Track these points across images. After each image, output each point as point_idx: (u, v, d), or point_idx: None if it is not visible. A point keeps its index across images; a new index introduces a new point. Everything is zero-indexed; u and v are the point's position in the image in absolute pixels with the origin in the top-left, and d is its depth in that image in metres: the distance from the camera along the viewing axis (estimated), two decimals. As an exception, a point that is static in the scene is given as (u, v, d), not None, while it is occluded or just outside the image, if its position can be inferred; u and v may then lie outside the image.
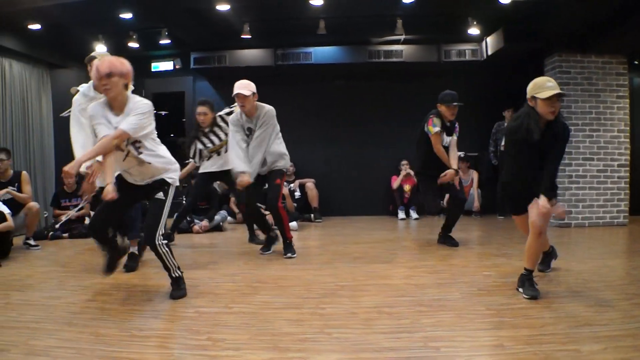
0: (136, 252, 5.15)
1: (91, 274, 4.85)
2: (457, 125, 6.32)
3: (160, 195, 3.91)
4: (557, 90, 3.73)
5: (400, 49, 9.20)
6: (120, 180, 3.96)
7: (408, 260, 5.62)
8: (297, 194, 9.35)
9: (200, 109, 6.45)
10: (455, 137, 6.28)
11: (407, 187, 9.72)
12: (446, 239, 6.31)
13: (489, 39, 8.89)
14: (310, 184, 9.61)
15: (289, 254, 5.65)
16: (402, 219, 9.50)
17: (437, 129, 6.01)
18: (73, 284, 4.50)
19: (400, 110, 10.06)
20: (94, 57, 5.01)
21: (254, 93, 5.52)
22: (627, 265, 5.27)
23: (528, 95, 3.88)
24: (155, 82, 10.12)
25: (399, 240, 7.31)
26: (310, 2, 7.17)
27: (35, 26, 7.51)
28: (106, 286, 4.41)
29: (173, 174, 4.02)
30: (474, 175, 9.67)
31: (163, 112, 9.85)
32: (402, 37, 8.78)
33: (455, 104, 6.11)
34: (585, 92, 8.11)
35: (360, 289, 4.24)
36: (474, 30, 8.38)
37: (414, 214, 9.58)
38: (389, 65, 9.38)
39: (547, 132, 3.81)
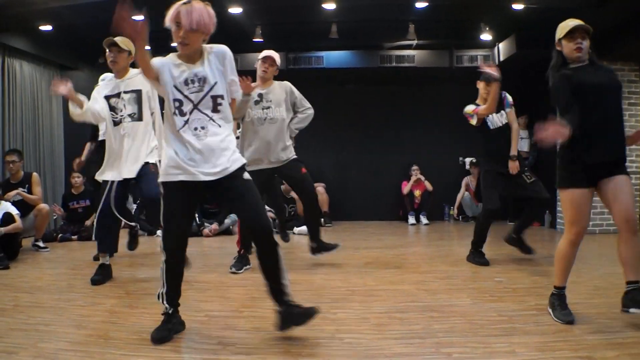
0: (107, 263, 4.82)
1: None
2: (505, 95, 5.65)
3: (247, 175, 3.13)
4: (578, 22, 3.45)
5: (412, 54, 9.18)
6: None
7: (419, 265, 5.59)
8: (307, 198, 9.33)
9: None
10: (508, 110, 5.64)
11: (417, 193, 9.68)
12: (519, 242, 5.79)
13: (501, 45, 8.86)
14: (320, 188, 9.57)
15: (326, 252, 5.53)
16: (412, 225, 9.46)
17: (470, 107, 5.56)
18: (82, 287, 4.50)
19: (412, 115, 10.06)
20: (114, 42, 4.63)
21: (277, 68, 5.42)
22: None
23: (556, 41, 3.59)
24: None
25: (409, 246, 7.29)
26: (323, 6, 7.15)
27: (47, 27, 7.53)
28: (116, 289, 4.41)
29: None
30: (485, 181, 9.61)
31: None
32: (414, 42, 8.75)
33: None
34: (597, 98, 8.07)
35: (371, 294, 4.22)
36: (486, 36, 8.35)
37: (424, 220, 9.54)
38: (401, 70, 9.36)
39: (595, 74, 3.43)
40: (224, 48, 3.14)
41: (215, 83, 3.03)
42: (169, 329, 3.09)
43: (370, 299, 4.06)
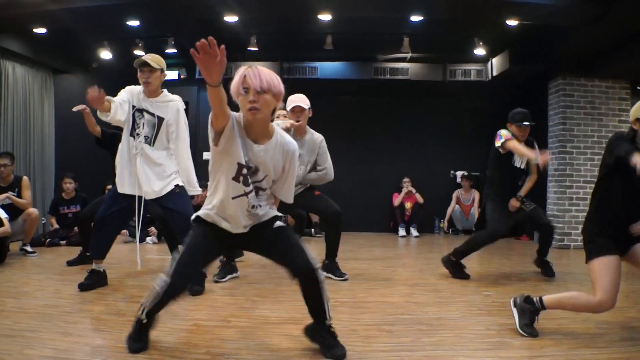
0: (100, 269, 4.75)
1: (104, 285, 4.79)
2: (535, 144, 5.56)
3: (279, 223, 3.04)
4: None
5: (406, 66, 9.22)
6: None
7: (408, 278, 5.59)
8: (298, 208, 9.32)
9: None
10: (534, 163, 5.51)
11: (408, 205, 9.71)
12: (542, 264, 5.81)
13: (495, 60, 8.92)
14: (311, 198, 9.56)
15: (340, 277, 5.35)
16: (402, 237, 9.48)
17: (506, 132, 5.40)
18: (70, 293, 4.46)
19: (404, 127, 10.10)
20: (144, 61, 4.46)
21: (310, 108, 5.34)
22: (626, 288, 5.20)
23: (631, 118, 3.30)
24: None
25: (399, 258, 7.29)
26: (319, 17, 7.18)
27: (41, 30, 7.50)
28: (103, 296, 4.37)
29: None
30: (476, 194, 9.66)
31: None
32: (409, 55, 8.80)
33: (526, 123, 5.38)
34: (588, 116, 8.18)
35: (360, 305, 4.21)
36: (479, 51, 8.40)
37: (414, 232, 9.56)
38: (395, 82, 9.40)
39: None
40: (294, 145, 2.96)
41: (266, 176, 2.90)
42: (144, 340, 3.04)
43: (359, 310, 4.05)
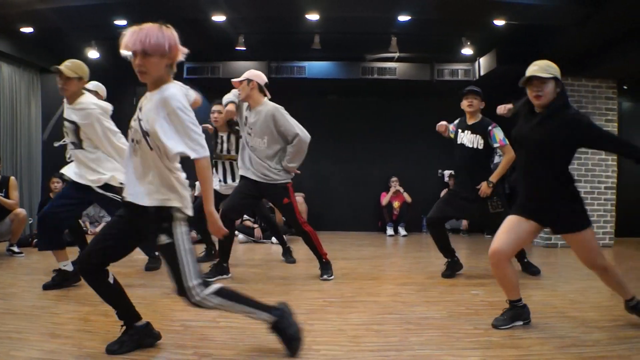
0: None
1: (75, 283, 4.77)
2: (491, 127, 5.43)
3: (164, 238, 2.77)
4: (533, 73, 3.40)
5: (394, 66, 9.24)
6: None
7: (396, 277, 5.61)
8: (286, 207, 9.31)
9: (215, 107, 6.32)
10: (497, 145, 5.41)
11: (396, 204, 9.74)
12: (525, 266, 5.72)
13: (482, 60, 8.96)
14: (299, 198, 9.57)
15: (325, 276, 5.28)
16: (390, 236, 9.51)
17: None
18: (56, 294, 4.44)
19: (392, 127, 10.12)
20: (58, 69, 4.50)
21: (249, 80, 5.21)
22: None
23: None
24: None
25: (387, 257, 7.30)
26: (307, 16, 7.18)
27: (28, 29, 7.46)
28: (90, 297, 4.34)
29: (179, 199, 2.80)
30: (463, 194, 9.68)
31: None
32: (396, 55, 8.82)
33: (467, 89, 5.61)
34: (575, 115, 8.18)
35: (348, 305, 4.22)
36: (467, 51, 8.43)
37: (402, 231, 9.58)
38: (382, 82, 9.41)
39: (546, 126, 3.42)
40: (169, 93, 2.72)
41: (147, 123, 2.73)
42: (122, 340, 3.00)
43: (347, 310, 4.05)
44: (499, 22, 7.13)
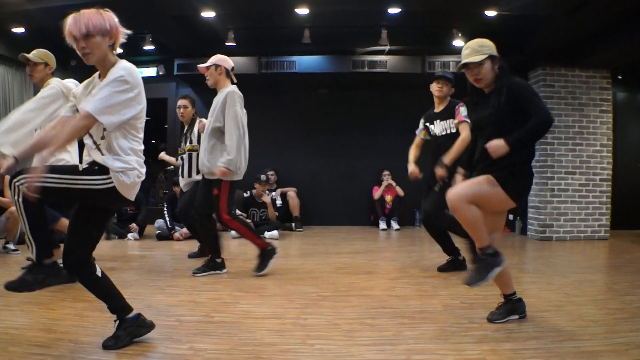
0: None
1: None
2: (458, 106, 5.39)
3: None
4: (465, 59, 3.41)
5: (385, 59, 9.21)
6: None
7: (389, 271, 5.60)
8: (279, 202, 9.30)
9: (180, 101, 6.34)
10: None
11: (388, 198, 9.73)
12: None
13: (473, 52, 8.94)
14: (292, 192, 9.57)
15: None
16: (383, 230, 9.49)
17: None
18: (53, 290, 4.37)
19: (384, 120, 10.09)
20: (26, 57, 4.93)
21: (217, 65, 5.19)
22: (608, 279, 5.29)
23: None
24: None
25: (380, 251, 7.29)
26: (296, 11, 7.15)
27: (19, 29, 7.42)
28: (86, 293, 4.32)
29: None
30: (456, 186, 9.67)
31: (145, 119, 9.80)
32: (387, 48, 8.80)
33: (437, 74, 5.60)
34: (568, 106, 8.21)
35: (342, 299, 4.21)
36: (458, 42, 8.41)
37: (395, 225, 9.57)
38: (373, 75, 9.37)
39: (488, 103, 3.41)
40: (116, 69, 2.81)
41: None
42: (117, 335, 3.01)
43: (341, 304, 4.05)
44: (490, 13, 7.11)
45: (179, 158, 6.24)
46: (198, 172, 5.79)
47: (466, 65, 3.40)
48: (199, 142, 5.97)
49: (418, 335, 3.28)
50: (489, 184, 3.29)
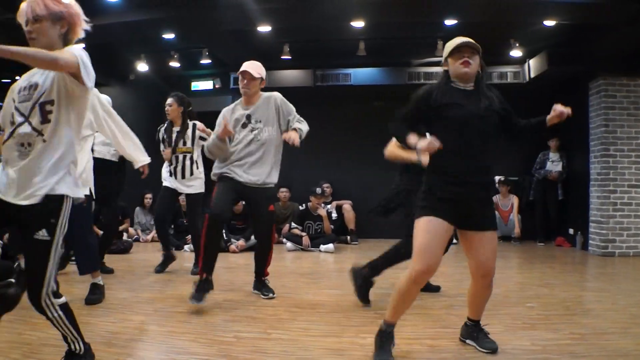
0: (99, 283, 4.64)
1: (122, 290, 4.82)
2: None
3: (42, 234, 2.48)
4: (465, 39, 3.17)
5: (441, 70, 9.10)
6: None
7: (447, 288, 5.47)
8: (334, 215, 9.28)
9: (167, 100, 6.26)
10: None
11: (445, 211, 9.58)
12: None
13: (532, 62, 8.77)
14: (347, 205, 9.54)
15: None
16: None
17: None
18: (110, 301, 4.48)
19: (440, 132, 9.97)
20: None
21: (262, 79, 4.84)
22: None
23: (442, 65, 3.33)
24: (194, 101, 10.14)
25: (437, 266, 7.16)
26: (351, 24, 7.16)
27: (80, 45, 7.64)
28: (143, 307, 4.39)
29: (70, 186, 2.59)
30: (514, 200, 9.47)
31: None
32: (443, 59, 8.69)
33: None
34: (631, 117, 7.92)
35: (400, 318, 4.13)
36: (516, 53, 8.28)
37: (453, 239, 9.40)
38: (429, 87, 9.28)
39: (483, 100, 3.14)
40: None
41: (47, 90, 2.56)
42: None
43: (399, 323, 3.95)
44: (549, 23, 6.96)
45: (173, 156, 6.14)
46: (192, 174, 6.04)
47: (460, 48, 3.18)
48: (192, 144, 6.08)
49: (479, 357, 3.20)
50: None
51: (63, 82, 2.55)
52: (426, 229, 3.06)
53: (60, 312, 2.55)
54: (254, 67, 4.74)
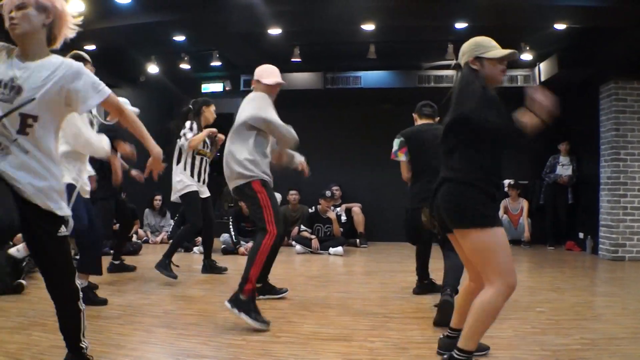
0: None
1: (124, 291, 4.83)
2: None
3: (62, 230, 2.51)
4: (511, 51, 2.99)
5: (451, 74, 9.08)
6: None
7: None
8: (344, 218, 9.26)
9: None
10: None
11: (454, 214, 9.55)
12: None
13: (542, 65, 8.74)
14: (356, 208, 9.54)
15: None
16: (449, 247, 9.32)
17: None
18: (119, 304, 4.49)
19: (449, 135, 9.95)
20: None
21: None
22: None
23: (470, 57, 3.06)
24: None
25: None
26: (362, 26, 7.16)
27: (91, 47, 7.67)
28: (152, 309, 4.40)
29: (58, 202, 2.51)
30: (524, 203, 9.44)
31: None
32: (453, 62, 8.65)
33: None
34: (642, 120, 7.87)
35: (409, 322, 4.13)
36: (526, 56, 8.24)
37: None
38: (439, 90, 9.27)
39: None
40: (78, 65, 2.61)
41: (32, 99, 2.41)
42: None
43: (409, 327, 3.97)
44: (560, 26, 6.94)
45: (198, 158, 6.07)
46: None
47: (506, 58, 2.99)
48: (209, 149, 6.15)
49: (489, 362, 3.18)
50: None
51: (58, 103, 2.50)
52: (504, 242, 2.98)
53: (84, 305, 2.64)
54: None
